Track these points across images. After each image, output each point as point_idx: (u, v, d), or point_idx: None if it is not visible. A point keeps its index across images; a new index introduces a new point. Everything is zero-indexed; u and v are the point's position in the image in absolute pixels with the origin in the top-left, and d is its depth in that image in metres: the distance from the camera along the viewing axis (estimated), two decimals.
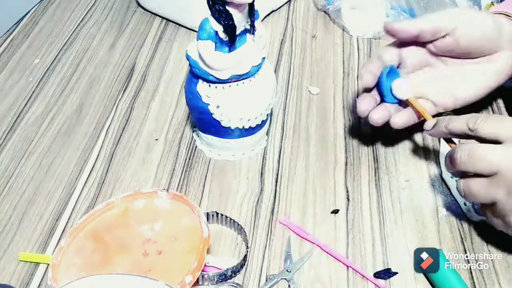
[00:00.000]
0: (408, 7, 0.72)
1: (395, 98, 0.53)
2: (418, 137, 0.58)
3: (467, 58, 0.53)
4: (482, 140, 0.43)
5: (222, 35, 0.47)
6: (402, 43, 0.54)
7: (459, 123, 0.45)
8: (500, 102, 0.61)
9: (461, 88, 0.54)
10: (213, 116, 0.51)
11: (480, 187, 0.42)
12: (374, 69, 0.53)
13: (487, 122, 0.42)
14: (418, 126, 0.59)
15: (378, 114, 0.53)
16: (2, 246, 0.49)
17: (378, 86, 0.54)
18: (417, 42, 0.53)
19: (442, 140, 0.56)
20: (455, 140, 0.49)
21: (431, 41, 0.53)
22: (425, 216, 0.50)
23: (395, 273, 0.46)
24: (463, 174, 0.44)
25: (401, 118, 0.53)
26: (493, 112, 0.60)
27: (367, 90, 0.54)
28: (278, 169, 0.56)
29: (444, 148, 0.55)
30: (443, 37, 0.52)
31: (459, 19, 0.51)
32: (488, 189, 0.41)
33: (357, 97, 0.55)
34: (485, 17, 0.53)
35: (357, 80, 0.66)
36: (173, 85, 0.67)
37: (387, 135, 0.58)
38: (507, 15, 0.54)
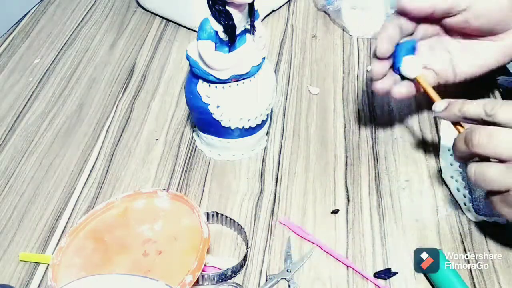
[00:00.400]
0: None
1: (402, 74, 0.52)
2: (418, 137, 0.58)
3: (476, 35, 0.52)
4: (498, 126, 0.41)
5: (222, 35, 0.47)
6: (412, 18, 0.52)
7: (475, 106, 0.43)
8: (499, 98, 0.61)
9: (465, 63, 0.53)
10: (213, 116, 0.51)
11: (498, 172, 0.40)
12: (393, 36, 0.51)
13: (506, 108, 0.41)
14: (419, 126, 0.59)
15: (382, 83, 0.52)
16: (2, 246, 0.49)
17: (393, 55, 0.52)
18: (429, 17, 0.52)
19: (442, 138, 0.56)
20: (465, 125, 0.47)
21: (442, 18, 0.51)
22: (425, 216, 0.50)
23: (395, 273, 0.46)
24: (473, 158, 0.42)
25: (401, 91, 0.53)
26: None
27: (381, 58, 0.52)
28: (278, 169, 0.56)
29: (444, 148, 0.55)
30: (454, 15, 0.50)
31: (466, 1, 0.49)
32: (506, 175, 0.40)
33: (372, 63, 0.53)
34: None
35: (357, 80, 0.66)
36: (173, 85, 0.67)
37: (388, 135, 0.58)
38: None
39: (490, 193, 0.42)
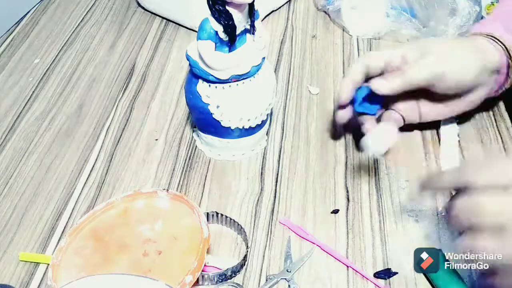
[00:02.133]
0: (409, 7, 0.71)
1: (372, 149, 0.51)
2: (418, 137, 0.58)
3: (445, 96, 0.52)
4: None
5: (222, 35, 0.47)
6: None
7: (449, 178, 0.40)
8: (501, 103, 0.61)
9: (432, 111, 0.54)
10: (213, 116, 0.51)
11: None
12: (356, 80, 0.51)
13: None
14: (419, 126, 0.59)
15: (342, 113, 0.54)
16: (2, 246, 0.49)
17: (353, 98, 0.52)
18: None
19: (442, 139, 0.56)
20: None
21: None
22: (425, 216, 0.50)
23: (395, 273, 0.46)
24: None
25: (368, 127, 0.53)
26: (493, 113, 0.60)
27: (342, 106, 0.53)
28: (278, 169, 0.56)
29: (445, 148, 0.55)
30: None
31: (444, 68, 0.48)
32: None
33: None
34: (471, 62, 0.49)
35: None
36: (173, 85, 0.67)
37: None
38: (492, 38, 0.51)
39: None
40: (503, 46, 0.51)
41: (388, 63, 0.50)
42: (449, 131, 0.55)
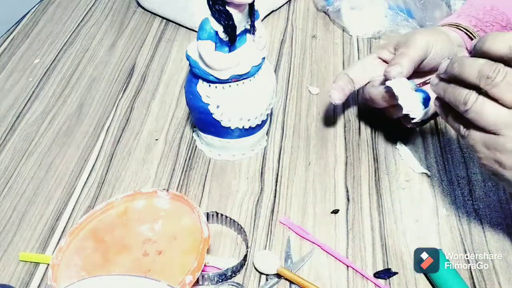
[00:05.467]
0: (406, 7, 0.72)
1: None
2: (418, 137, 0.58)
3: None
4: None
5: (222, 35, 0.47)
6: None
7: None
8: None
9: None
10: (213, 116, 0.51)
11: (498, 113, 0.39)
12: (343, 86, 0.55)
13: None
14: (419, 126, 0.59)
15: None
16: (2, 246, 0.49)
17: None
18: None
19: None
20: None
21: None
22: (425, 216, 0.50)
23: (395, 273, 0.46)
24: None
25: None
26: None
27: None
28: (278, 169, 0.56)
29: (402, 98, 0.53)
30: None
31: (433, 37, 0.54)
32: (504, 119, 0.38)
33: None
34: (444, 39, 0.54)
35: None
36: (173, 85, 0.67)
37: (388, 135, 0.58)
38: (457, 26, 0.57)
39: (476, 128, 0.41)
40: (460, 27, 0.58)
41: (367, 68, 0.57)
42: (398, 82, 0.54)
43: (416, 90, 0.51)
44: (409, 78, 0.52)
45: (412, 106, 0.50)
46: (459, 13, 0.61)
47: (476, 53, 0.40)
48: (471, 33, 0.57)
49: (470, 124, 0.41)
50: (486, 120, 0.39)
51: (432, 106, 0.50)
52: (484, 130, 0.40)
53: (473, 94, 0.40)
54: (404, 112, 0.50)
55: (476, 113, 0.39)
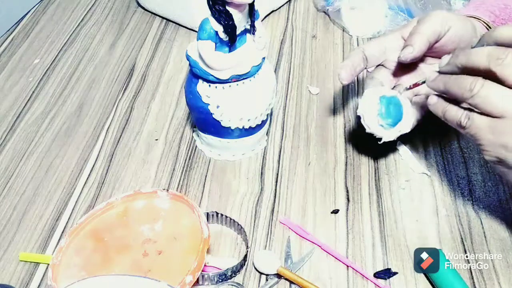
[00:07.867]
0: (406, 7, 0.72)
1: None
2: (417, 137, 0.58)
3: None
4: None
5: (222, 35, 0.47)
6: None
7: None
8: None
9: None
10: (213, 116, 0.51)
11: (503, 95, 0.39)
12: (355, 65, 0.52)
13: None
14: (419, 127, 0.59)
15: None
16: (2, 246, 0.49)
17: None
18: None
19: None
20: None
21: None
22: (425, 216, 0.50)
23: (395, 273, 0.46)
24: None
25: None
26: None
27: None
28: (278, 169, 0.56)
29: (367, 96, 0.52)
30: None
31: (447, 25, 0.51)
32: (509, 102, 0.39)
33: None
34: (468, 25, 0.52)
35: (357, 80, 0.66)
36: (173, 85, 0.67)
37: None
38: (478, 19, 0.55)
39: (480, 115, 0.41)
40: (481, 20, 0.55)
41: (387, 48, 0.53)
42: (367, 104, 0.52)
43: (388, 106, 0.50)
44: (411, 72, 0.53)
45: (376, 130, 0.50)
46: (476, 6, 0.58)
47: (483, 44, 0.41)
48: (490, 28, 0.55)
49: (473, 113, 0.41)
50: (494, 104, 0.39)
51: (413, 120, 0.51)
52: (489, 115, 0.40)
53: (479, 80, 0.40)
54: (368, 131, 0.50)
55: (483, 97, 0.40)
